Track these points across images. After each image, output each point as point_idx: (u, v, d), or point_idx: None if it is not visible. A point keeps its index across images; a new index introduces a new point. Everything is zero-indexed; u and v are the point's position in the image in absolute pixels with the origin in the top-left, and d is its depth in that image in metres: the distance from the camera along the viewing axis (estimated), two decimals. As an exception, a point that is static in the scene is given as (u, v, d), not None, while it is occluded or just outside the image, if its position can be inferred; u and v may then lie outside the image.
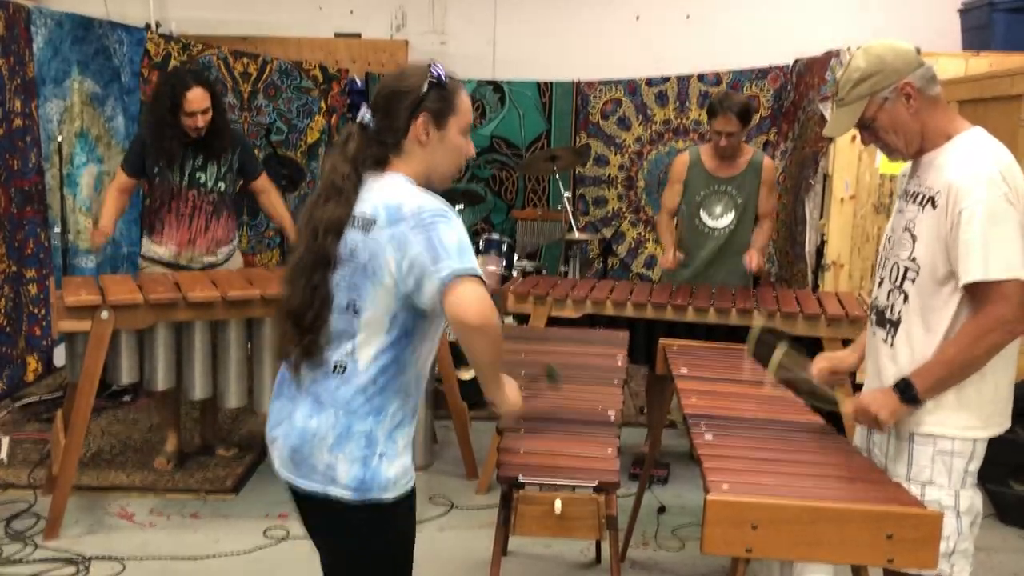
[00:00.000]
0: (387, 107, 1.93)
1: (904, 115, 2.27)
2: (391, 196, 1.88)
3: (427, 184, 1.96)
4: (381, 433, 1.91)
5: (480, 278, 1.81)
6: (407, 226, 1.83)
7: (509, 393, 2.05)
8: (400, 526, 1.98)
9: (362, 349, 1.90)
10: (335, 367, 1.92)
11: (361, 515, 1.91)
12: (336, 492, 1.90)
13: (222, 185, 4.08)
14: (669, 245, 4.35)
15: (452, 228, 1.83)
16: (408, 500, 1.97)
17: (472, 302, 1.78)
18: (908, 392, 2.22)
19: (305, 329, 1.92)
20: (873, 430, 2.41)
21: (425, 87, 1.91)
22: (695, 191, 4.28)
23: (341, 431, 1.90)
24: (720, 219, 4.26)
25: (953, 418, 2.24)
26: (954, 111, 2.33)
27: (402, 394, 1.94)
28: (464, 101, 1.97)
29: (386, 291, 1.86)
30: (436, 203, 1.87)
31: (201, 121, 3.90)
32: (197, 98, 3.87)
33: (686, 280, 4.31)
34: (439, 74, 1.94)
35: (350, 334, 1.90)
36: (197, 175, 4.02)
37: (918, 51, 2.31)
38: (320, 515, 1.99)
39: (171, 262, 4.09)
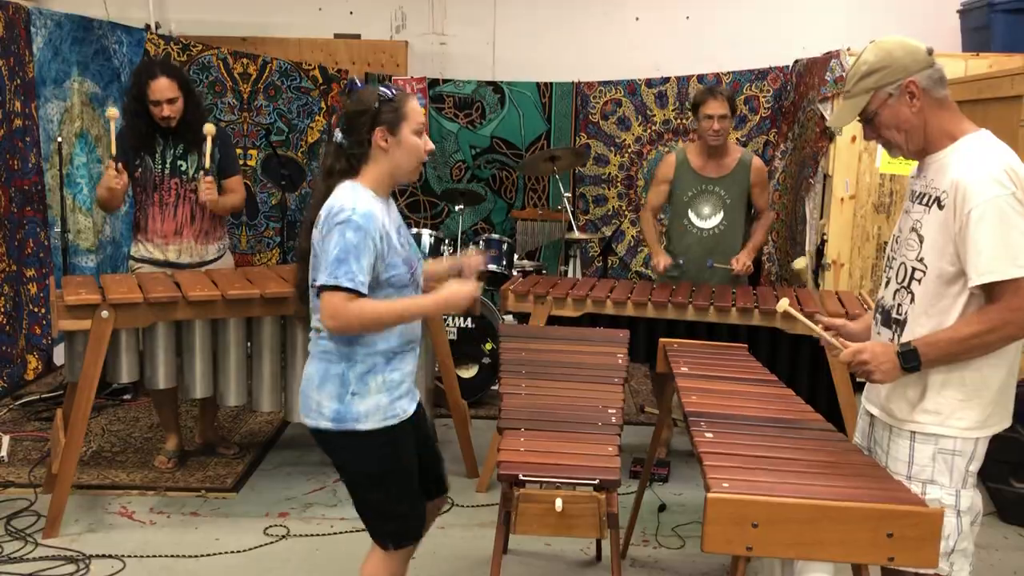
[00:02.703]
0: (350, 126, 2.40)
1: (906, 113, 2.27)
2: (330, 201, 2.35)
3: (393, 182, 2.45)
4: (352, 376, 2.38)
5: (339, 288, 2.27)
6: (321, 230, 2.33)
7: (442, 306, 2.44)
8: (378, 452, 2.41)
9: None
10: (316, 329, 2.43)
11: (342, 441, 2.40)
12: (323, 424, 2.40)
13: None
14: (657, 249, 4.35)
15: (341, 235, 2.27)
16: (386, 432, 2.40)
17: (326, 314, 2.30)
18: (911, 361, 2.22)
19: (304, 303, 2.48)
20: (873, 426, 2.42)
21: (376, 104, 2.37)
22: (683, 191, 4.28)
23: (323, 374, 2.40)
24: (709, 219, 4.26)
25: (953, 418, 2.25)
26: (960, 113, 2.32)
27: (365, 345, 2.38)
28: (412, 107, 2.40)
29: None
30: (347, 207, 2.29)
31: (167, 110, 3.88)
32: (162, 87, 3.85)
33: (677, 281, 4.31)
34: (385, 92, 2.39)
35: (316, 307, 2.40)
36: (178, 163, 4.01)
37: (930, 52, 2.30)
38: (321, 444, 2.47)
39: (161, 260, 4.07)
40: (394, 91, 2.40)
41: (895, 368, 2.24)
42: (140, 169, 3.99)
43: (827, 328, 2.53)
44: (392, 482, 2.44)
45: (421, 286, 2.53)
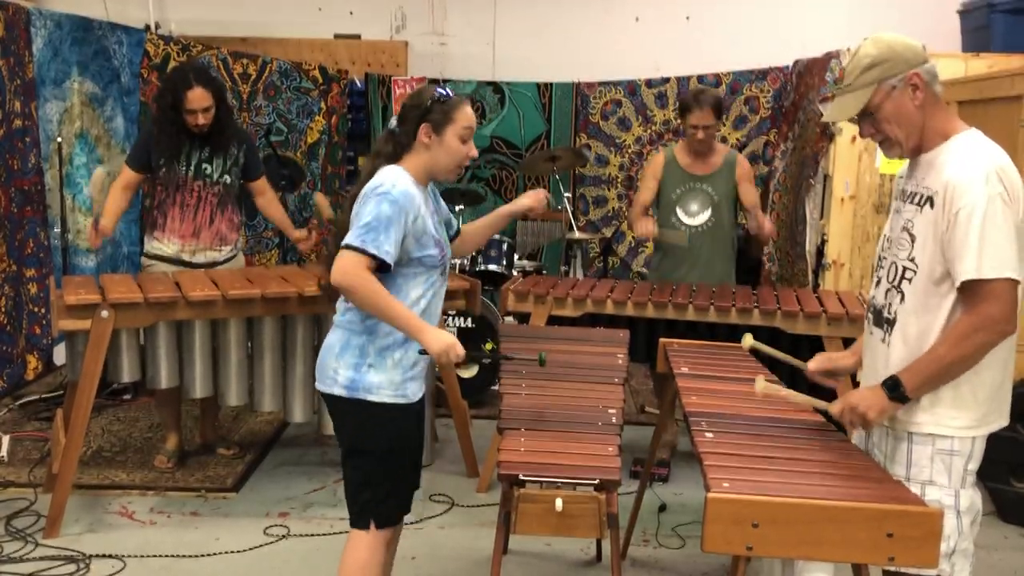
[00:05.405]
0: (404, 117, 2.56)
1: (909, 106, 2.27)
2: (373, 179, 2.48)
3: (430, 176, 2.59)
4: (372, 349, 2.50)
5: (364, 251, 2.36)
6: (359, 201, 2.46)
7: (430, 338, 2.43)
8: (385, 427, 2.51)
9: None
10: (345, 300, 2.52)
11: (351, 409, 2.51)
12: (336, 391, 2.51)
13: (227, 178, 4.10)
14: (641, 217, 4.30)
15: (377, 205, 2.39)
16: (394, 409, 2.51)
17: (337, 267, 2.39)
18: (896, 390, 2.23)
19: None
20: (866, 429, 2.41)
21: (429, 102, 2.51)
22: (671, 189, 4.32)
23: (344, 343, 2.52)
24: (696, 216, 4.30)
25: (949, 417, 2.24)
26: (953, 112, 2.33)
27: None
28: (462, 113, 2.53)
29: None
30: (389, 183, 2.43)
31: (203, 119, 3.93)
32: (198, 97, 3.89)
33: (665, 277, 4.32)
34: (441, 93, 2.53)
35: None
36: (203, 166, 4.04)
37: (923, 48, 2.31)
38: (331, 411, 2.58)
39: (174, 257, 4.08)
40: (449, 94, 2.54)
41: (884, 400, 2.24)
42: (164, 168, 4.01)
43: (829, 371, 2.56)
44: (391, 458, 2.53)
45: (448, 273, 2.67)
